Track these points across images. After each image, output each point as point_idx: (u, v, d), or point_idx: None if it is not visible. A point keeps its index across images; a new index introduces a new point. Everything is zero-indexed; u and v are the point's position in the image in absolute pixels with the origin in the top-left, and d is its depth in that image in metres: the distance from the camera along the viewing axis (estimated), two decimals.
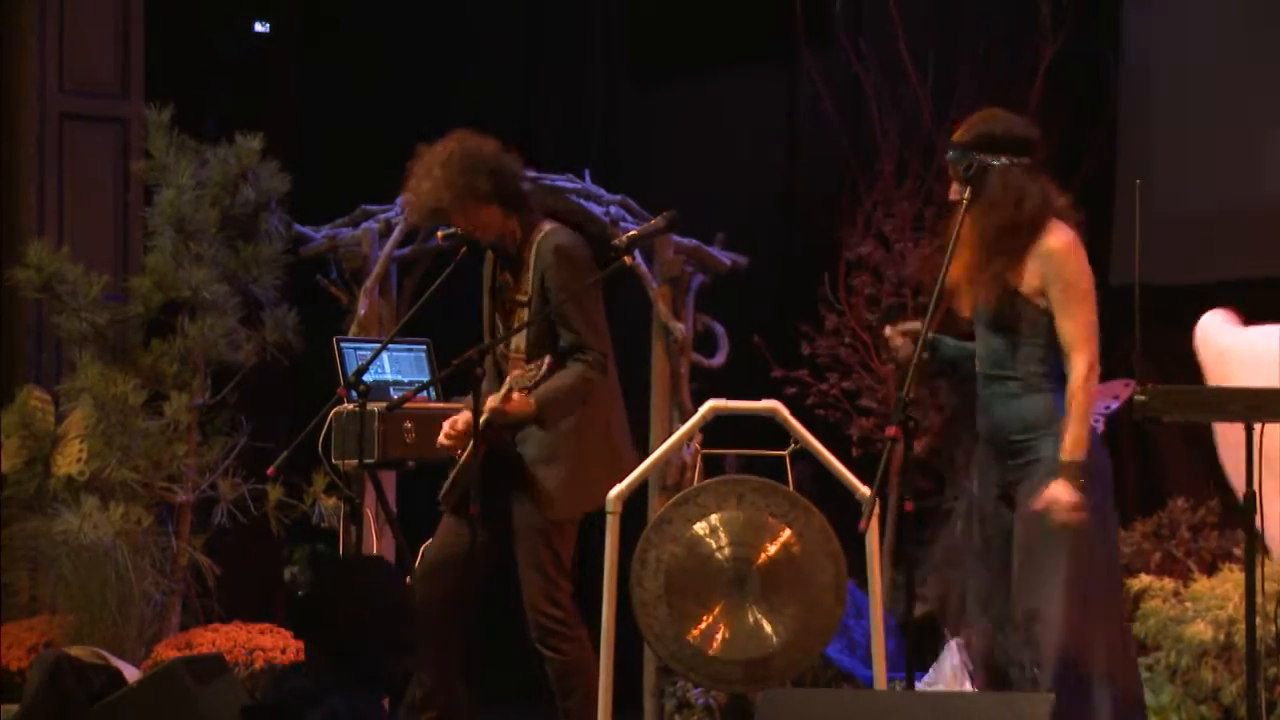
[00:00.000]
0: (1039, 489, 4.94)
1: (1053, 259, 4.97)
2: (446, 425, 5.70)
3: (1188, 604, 6.52)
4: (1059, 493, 4.88)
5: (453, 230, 5.79)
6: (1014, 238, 4.99)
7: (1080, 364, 4.94)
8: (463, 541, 5.60)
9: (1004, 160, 5.01)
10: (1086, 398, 4.96)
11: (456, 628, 5.67)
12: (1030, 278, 4.99)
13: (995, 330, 5.04)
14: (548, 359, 5.47)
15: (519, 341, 5.66)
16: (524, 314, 5.65)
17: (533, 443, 5.65)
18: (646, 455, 5.96)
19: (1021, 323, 5.00)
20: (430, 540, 5.96)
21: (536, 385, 5.47)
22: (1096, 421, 7.06)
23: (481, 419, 5.47)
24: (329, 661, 4.19)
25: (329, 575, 4.56)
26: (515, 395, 5.49)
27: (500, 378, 5.69)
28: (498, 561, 5.76)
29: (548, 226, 5.73)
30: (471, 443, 5.58)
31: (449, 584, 5.67)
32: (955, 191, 5.07)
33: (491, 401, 5.50)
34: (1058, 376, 5.03)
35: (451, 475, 5.73)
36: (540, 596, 5.65)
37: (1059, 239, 4.99)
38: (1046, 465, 4.96)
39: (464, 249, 5.74)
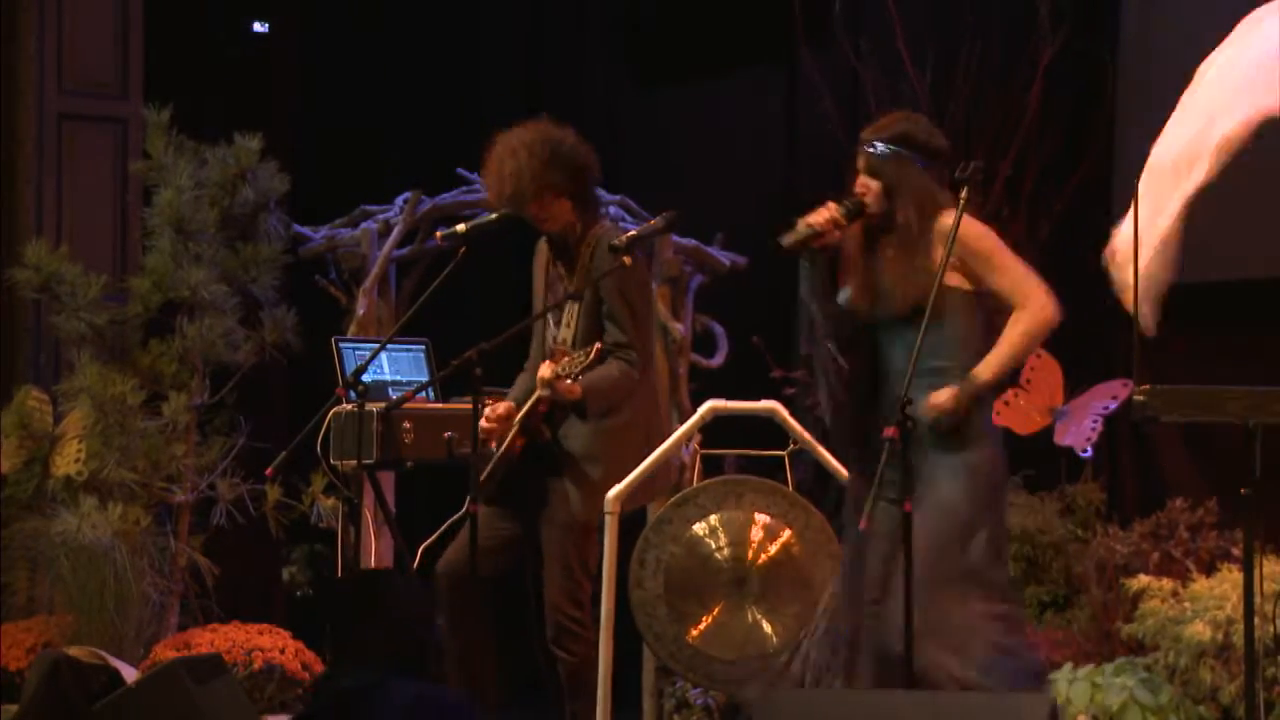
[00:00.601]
0: (944, 485, 4.98)
1: (960, 237, 5.01)
2: (487, 411, 5.71)
3: (1186, 604, 6.52)
4: (943, 397, 4.96)
5: (451, 230, 5.80)
6: (924, 235, 5.06)
7: (1031, 305, 5.04)
8: (499, 534, 5.64)
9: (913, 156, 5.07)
10: (1028, 339, 5.04)
11: (485, 622, 5.69)
12: (939, 258, 5.02)
13: (913, 324, 5.01)
14: (596, 345, 5.50)
15: (566, 334, 5.69)
16: (576, 308, 5.68)
17: (574, 438, 5.66)
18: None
19: (945, 313, 5.02)
20: (429, 540, 5.96)
21: (584, 370, 5.49)
22: (1099, 423, 7.06)
23: (538, 388, 5.56)
24: (368, 662, 4.21)
25: (344, 587, 4.58)
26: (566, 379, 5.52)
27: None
28: (528, 556, 5.77)
29: (608, 224, 5.83)
30: (510, 433, 5.63)
31: (476, 574, 5.69)
32: (862, 184, 5.11)
33: (545, 371, 5.52)
34: (970, 369, 5.05)
35: (489, 467, 5.73)
36: (563, 596, 5.65)
37: (951, 215, 5.04)
38: (953, 461, 4.99)
39: (463, 249, 5.75)
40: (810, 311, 5.14)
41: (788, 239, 5.12)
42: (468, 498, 5.55)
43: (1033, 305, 5.05)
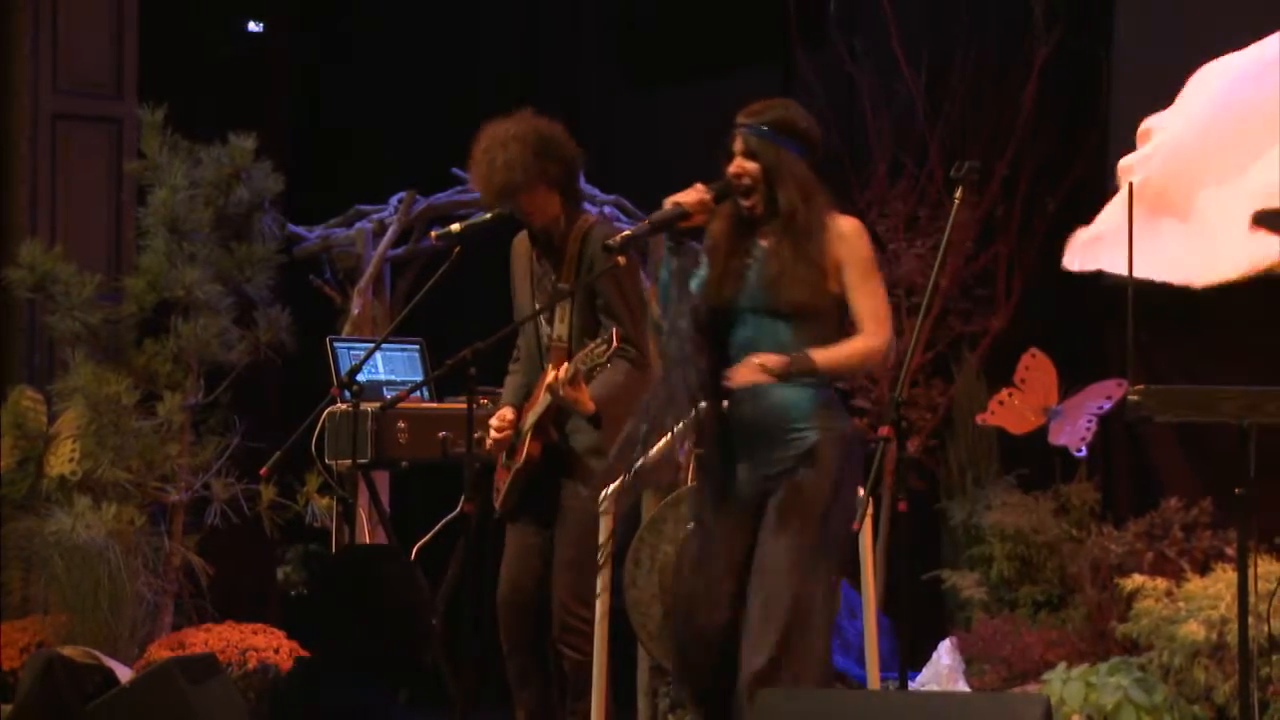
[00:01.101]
0: (800, 481, 4.87)
1: (848, 240, 4.95)
2: (493, 421, 5.67)
3: (1180, 604, 6.52)
4: (763, 358, 4.84)
5: (445, 230, 5.78)
6: (814, 229, 4.96)
7: (879, 336, 4.92)
8: (535, 547, 5.61)
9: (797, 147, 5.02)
10: (864, 360, 4.96)
11: (547, 640, 5.67)
12: (830, 262, 4.94)
13: (789, 318, 4.95)
14: (615, 333, 5.41)
15: (562, 330, 5.64)
16: (568, 304, 5.63)
17: (580, 434, 5.63)
18: None
19: (819, 310, 4.94)
20: (423, 540, 5.95)
21: (601, 365, 5.42)
22: (1093, 422, 7.07)
23: (545, 394, 5.51)
24: (340, 656, 4.17)
25: (337, 572, 4.51)
26: (582, 383, 5.45)
27: (539, 364, 5.67)
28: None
29: (593, 218, 5.77)
30: (526, 443, 5.59)
31: (531, 593, 5.66)
32: (739, 166, 5.00)
33: (561, 373, 5.45)
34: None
35: (506, 485, 5.69)
36: (570, 594, 5.63)
37: (849, 221, 5.00)
38: (808, 459, 4.87)
39: (458, 249, 5.73)
40: (669, 296, 4.99)
41: (655, 216, 5.00)
42: (462, 498, 5.55)
43: (881, 337, 4.93)
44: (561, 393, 5.43)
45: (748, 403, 4.94)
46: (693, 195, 4.97)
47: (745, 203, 5.00)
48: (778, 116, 5.06)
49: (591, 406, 5.48)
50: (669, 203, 4.97)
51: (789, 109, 5.11)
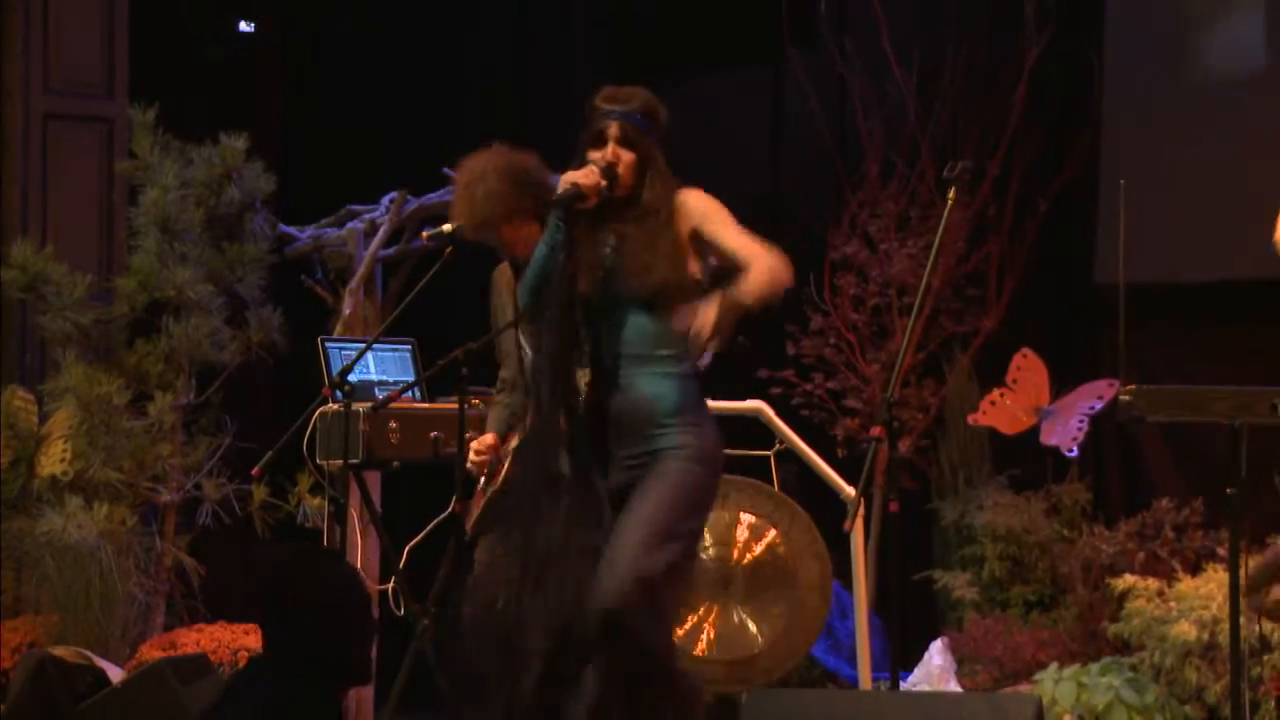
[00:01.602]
0: (663, 471, 4.76)
1: (692, 204, 4.85)
2: (474, 445, 5.65)
3: (1172, 604, 6.53)
4: (710, 312, 4.64)
5: (437, 230, 5.77)
6: (668, 215, 4.85)
7: (769, 252, 4.73)
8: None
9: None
10: (774, 278, 4.72)
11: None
12: (684, 240, 4.84)
13: (651, 308, 4.83)
14: None
15: None
16: None
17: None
18: None
19: (683, 293, 4.81)
20: (415, 540, 5.94)
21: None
22: (1084, 422, 7.08)
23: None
24: (284, 651, 4.16)
25: (283, 568, 4.47)
26: None
27: (525, 392, 5.65)
28: None
29: None
30: (506, 467, 5.56)
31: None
32: (614, 154, 4.87)
33: None
34: (690, 363, 4.90)
35: (485, 501, 5.67)
36: None
37: (687, 191, 4.88)
38: (672, 454, 4.78)
39: (449, 249, 5.72)
40: (543, 279, 4.84)
41: (553, 199, 4.86)
42: (453, 498, 5.55)
43: (767, 255, 4.73)
44: None
45: (614, 394, 4.83)
46: (591, 177, 4.84)
47: (618, 190, 4.86)
48: (646, 104, 4.97)
49: None
50: (565, 182, 4.83)
51: (650, 96, 5.01)
